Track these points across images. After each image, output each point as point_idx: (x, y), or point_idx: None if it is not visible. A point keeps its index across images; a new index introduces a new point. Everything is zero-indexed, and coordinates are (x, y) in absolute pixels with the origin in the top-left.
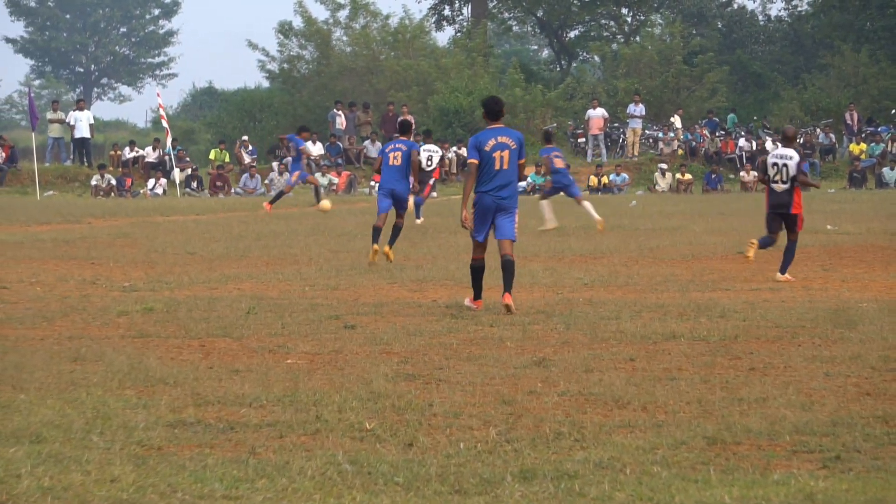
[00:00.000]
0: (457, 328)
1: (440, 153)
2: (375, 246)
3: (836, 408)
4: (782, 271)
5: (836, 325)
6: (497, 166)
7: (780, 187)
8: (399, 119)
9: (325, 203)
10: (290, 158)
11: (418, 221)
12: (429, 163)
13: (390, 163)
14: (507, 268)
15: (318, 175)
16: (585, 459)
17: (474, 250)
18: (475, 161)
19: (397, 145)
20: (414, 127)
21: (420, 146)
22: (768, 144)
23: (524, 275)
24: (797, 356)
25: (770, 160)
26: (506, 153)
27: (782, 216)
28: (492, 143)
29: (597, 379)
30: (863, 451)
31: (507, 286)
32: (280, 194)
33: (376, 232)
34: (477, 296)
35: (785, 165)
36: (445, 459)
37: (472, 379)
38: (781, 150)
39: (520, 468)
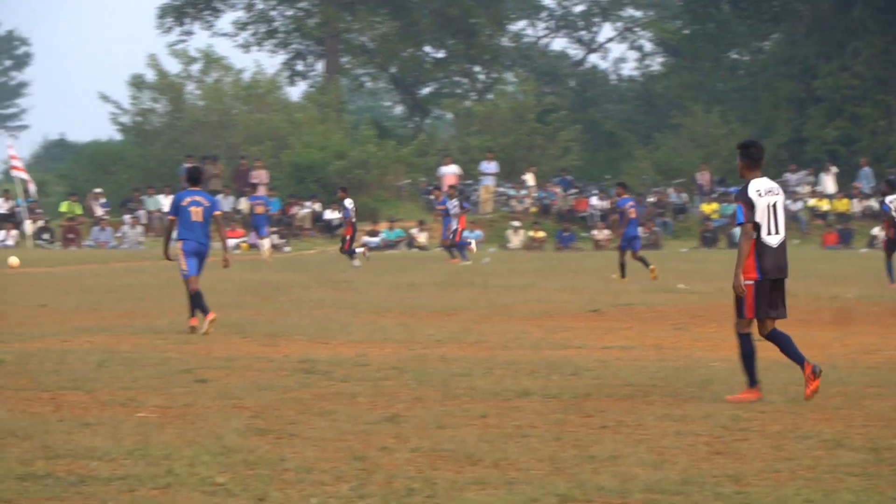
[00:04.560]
0: (309, 383)
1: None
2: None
3: (687, 466)
4: None
5: (688, 384)
6: (193, 219)
7: None
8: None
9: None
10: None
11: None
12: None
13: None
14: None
15: None
16: None
17: (189, 283)
18: (174, 217)
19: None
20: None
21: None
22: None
23: (376, 330)
24: (649, 414)
25: (892, 204)
26: (199, 209)
27: None
28: (188, 200)
29: (449, 435)
30: None
31: (192, 312)
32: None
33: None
34: (204, 311)
35: None
36: None
37: (324, 434)
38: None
39: None
